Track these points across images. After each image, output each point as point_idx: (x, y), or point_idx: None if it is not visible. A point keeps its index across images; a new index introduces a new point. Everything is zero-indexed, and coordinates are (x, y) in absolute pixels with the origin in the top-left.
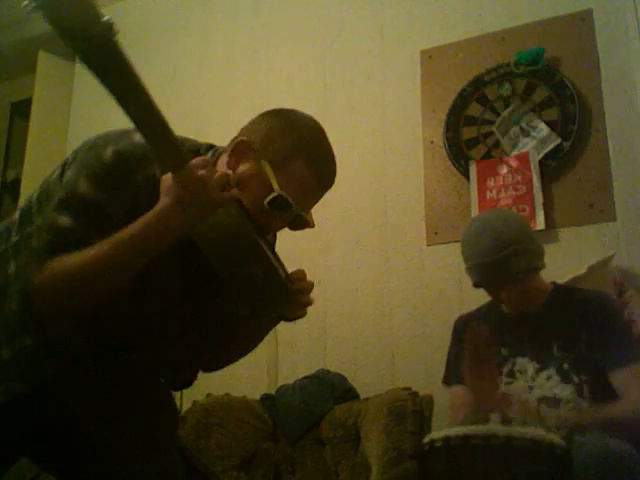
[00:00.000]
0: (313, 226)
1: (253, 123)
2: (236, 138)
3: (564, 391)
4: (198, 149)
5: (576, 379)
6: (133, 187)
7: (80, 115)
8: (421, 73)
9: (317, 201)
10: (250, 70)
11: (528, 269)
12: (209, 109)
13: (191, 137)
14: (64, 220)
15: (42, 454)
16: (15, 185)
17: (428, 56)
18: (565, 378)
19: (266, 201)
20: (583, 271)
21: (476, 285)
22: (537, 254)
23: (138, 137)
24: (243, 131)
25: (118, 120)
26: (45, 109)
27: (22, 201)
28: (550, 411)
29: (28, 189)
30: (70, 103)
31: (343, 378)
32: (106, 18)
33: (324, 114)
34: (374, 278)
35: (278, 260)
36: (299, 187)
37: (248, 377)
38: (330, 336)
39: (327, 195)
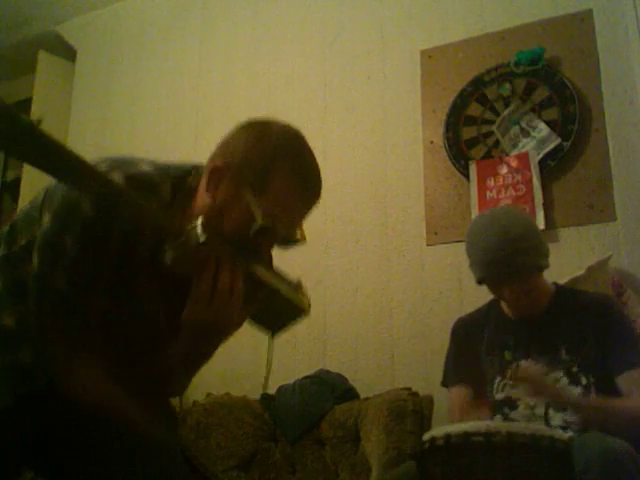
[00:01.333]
0: (305, 242)
1: (229, 139)
2: (213, 158)
3: (572, 393)
4: (183, 175)
5: (584, 381)
6: (117, 241)
7: (80, 115)
8: (421, 73)
9: (305, 215)
10: (250, 70)
11: (533, 267)
12: (209, 109)
13: (190, 138)
14: (60, 284)
15: (43, 464)
16: (15, 185)
17: (428, 56)
18: (574, 380)
19: (251, 232)
20: (582, 272)
21: (479, 282)
22: (543, 253)
23: (114, 179)
24: (220, 148)
25: (118, 120)
26: (45, 109)
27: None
28: (564, 391)
29: (28, 189)
30: (70, 103)
31: (343, 378)
32: (24, 118)
33: (324, 114)
34: (374, 278)
35: (279, 275)
36: (283, 206)
37: (248, 377)
38: (330, 336)
39: (327, 195)
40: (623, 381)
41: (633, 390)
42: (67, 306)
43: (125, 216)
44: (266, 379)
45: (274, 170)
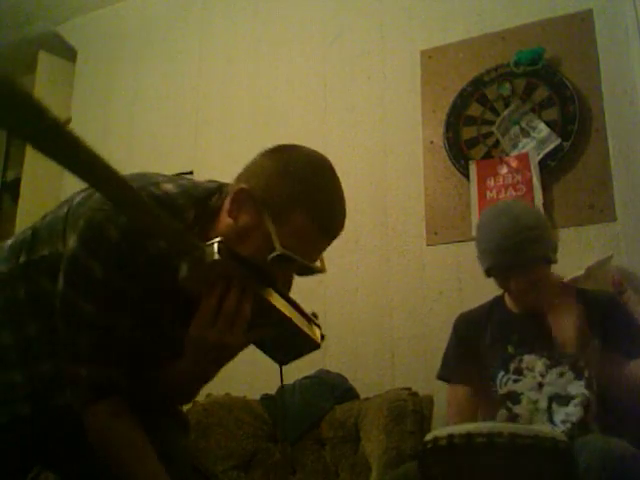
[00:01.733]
0: (325, 272)
1: (254, 165)
2: (238, 181)
3: (576, 387)
4: (207, 196)
5: (587, 373)
6: (144, 265)
7: (80, 115)
8: (421, 73)
9: (325, 248)
10: (250, 70)
11: (541, 258)
12: (209, 109)
13: (190, 138)
14: (87, 308)
15: (56, 465)
16: (15, 185)
17: (428, 56)
18: (579, 375)
19: (269, 258)
20: (582, 272)
21: (487, 272)
22: (551, 246)
23: None
24: (245, 172)
25: (118, 120)
26: None
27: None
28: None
29: (28, 189)
30: (70, 104)
31: (343, 378)
32: (51, 113)
33: (324, 114)
34: (374, 278)
35: (293, 304)
36: (303, 240)
37: (248, 377)
38: (330, 336)
39: None
40: (636, 367)
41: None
42: (94, 328)
43: (150, 236)
44: (281, 426)
45: (296, 204)
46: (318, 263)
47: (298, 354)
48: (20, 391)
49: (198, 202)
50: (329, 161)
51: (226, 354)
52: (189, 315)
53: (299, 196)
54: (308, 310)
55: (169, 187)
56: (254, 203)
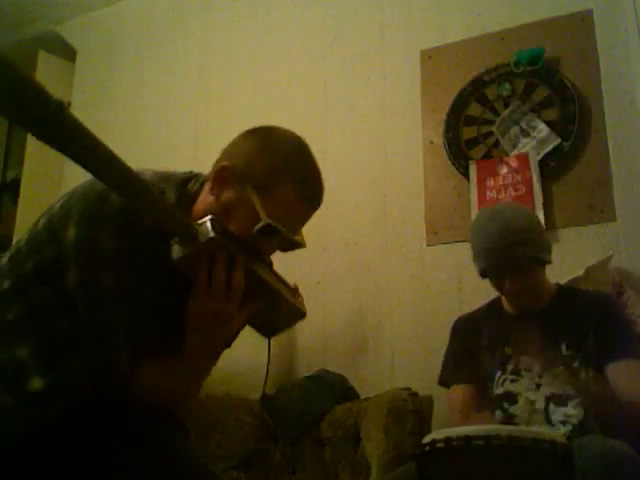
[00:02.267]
0: (305, 246)
1: (234, 145)
2: (218, 162)
3: (572, 388)
4: (184, 182)
5: (583, 375)
6: (145, 230)
7: (80, 115)
8: (421, 73)
9: (306, 221)
10: (250, 70)
11: (534, 259)
12: (209, 109)
13: (190, 138)
14: (109, 282)
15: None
16: (15, 185)
17: (428, 56)
18: (574, 375)
19: (255, 230)
20: (581, 273)
21: (482, 273)
22: (545, 247)
23: None
24: (225, 154)
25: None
26: None
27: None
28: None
29: (28, 189)
30: (70, 103)
31: (343, 378)
32: (55, 97)
33: (324, 114)
34: (374, 278)
35: (278, 278)
36: (286, 211)
37: (248, 377)
38: (330, 336)
39: (327, 195)
40: (612, 370)
41: (622, 380)
42: (121, 302)
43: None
44: (265, 381)
45: (280, 174)
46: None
47: (286, 325)
48: (13, 411)
49: (177, 187)
50: (305, 140)
51: (226, 326)
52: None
53: (281, 168)
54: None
55: (149, 174)
56: (237, 178)
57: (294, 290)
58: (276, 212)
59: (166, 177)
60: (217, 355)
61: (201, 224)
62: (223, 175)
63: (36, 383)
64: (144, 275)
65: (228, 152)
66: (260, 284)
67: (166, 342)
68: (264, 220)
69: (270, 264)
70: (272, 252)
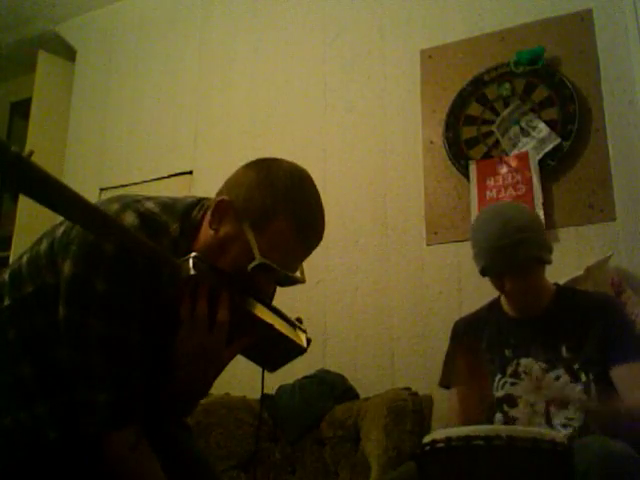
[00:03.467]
0: (304, 282)
1: (236, 177)
2: (220, 193)
3: (573, 391)
4: (188, 210)
5: (584, 378)
6: (141, 274)
7: (80, 115)
8: (421, 73)
9: (306, 257)
10: (250, 70)
11: (534, 259)
12: (209, 109)
13: (190, 138)
14: (96, 326)
15: None
16: None
17: (428, 56)
18: (575, 378)
19: (249, 268)
20: (581, 273)
21: (482, 272)
22: (545, 247)
23: (129, 220)
24: (226, 185)
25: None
26: (45, 109)
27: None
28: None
29: None
30: (70, 103)
31: (343, 378)
32: (13, 148)
33: (324, 114)
34: (374, 278)
35: (276, 312)
36: (282, 249)
37: (248, 377)
38: (330, 336)
39: (327, 195)
40: (618, 374)
41: (628, 383)
42: (106, 345)
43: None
44: (261, 410)
45: (276, 212)
46: (298, 273)
47: (285, 360)
48: (10, 435)
49: (180, 217)
50: (309, 174)
51: (211, 359)
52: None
53: (279, 205)
54: (300, 315)
55: (150, 205)
56: (234, 213)
57: (295, 324)
58: (271, 250)
59: (169, 206)
60: (207, 386)
61: (184, 261)
62: (222, 209)
63: (40, 407)
64: (133, 322)
65: (230, 183)
66: (250, 319)
67: (151, 385)
68: (258, 259)
69: (271, 297)
70: (270, 288)
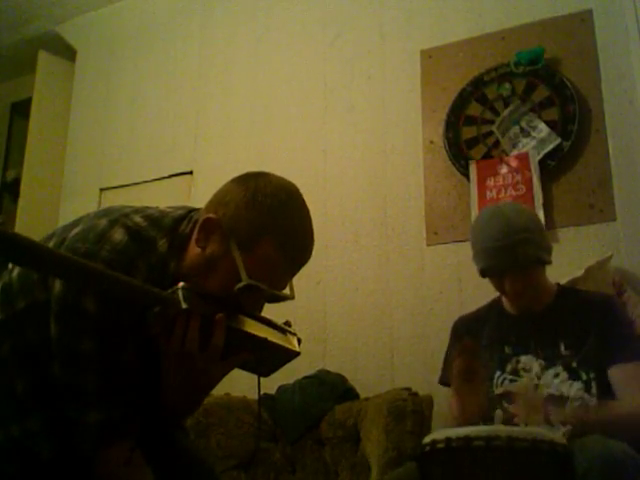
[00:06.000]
0: (293, 298)
1: (224, 193)
2: (208, 209)
3: (572, 388)
4: (176, 224)
5: (584, 376)
6: (128, 312)
7: (80, 115)
8: (421, 73)
9: (294, 274)
10: (250, 70)
11: (534, 259)
12: (209, 109)
13: (190, 138)
14: (87, 346)
15: None
16: (15, 185)
17: (428, 56)
18: (573, 376)
19: (235, 289)
20: (581, 273)
21: (482, 273)
22: (545, 247)
23: (118, 238)
24: (214, 199)
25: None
26: (45, 109)
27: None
28: (556, 409)
29: (28, 189)
30: (70, 103)
31: (343, 378)
32: None
33: (324, 114)
34: (374, 278)
35: (265, 321)
36: (269, 269)
37: (248, 377)
38: (330, 336)
39: (327, 195)
40: (615, 374)
41: (625, 384)
42: (97, 366)
43: (142, 268)
44: (258, 433)
45: (264, 233)
46: (287, 290)
47: (279, 365)
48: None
49: (168, 232)
50: (298, 190)
51: (203, 385)
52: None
53: (266, 225)
54: (285, 320)
55: (138, 219)
56: (221, 232)
57: (285, 329)
58: (259, 271)
59: (157, 220)
60: (198, 405)
61: (173, 293)
62: (209, 227)
63: (33, 422)
64: (123, 341)
65: (217, 199)
66: (244, 338)
67: (142, 406)
68: (245, 280)
69: (259, 310)
70: (258, 305)
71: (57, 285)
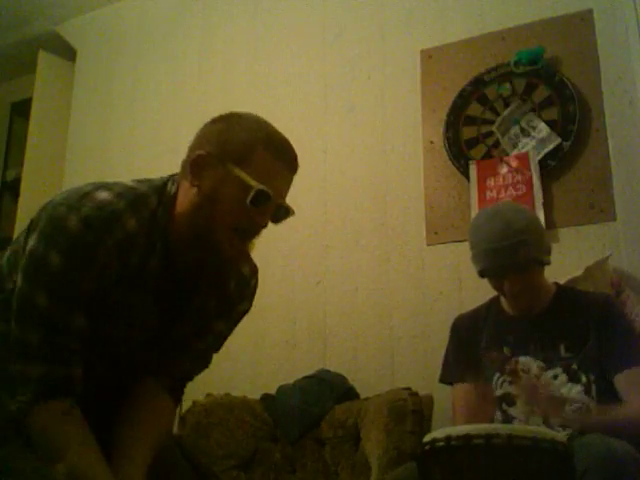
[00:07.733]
0: (293, 213)
1: (199, 137)
2: (188, 157)
3: (571, 390)
4: (163, 184)
5: (584, 379)
6: (104, 256)
7: (80, 115)
8: (421, 73)
9: (289, 185)
10: (250, 70)
11: (534, 260)
12: (209, 109)
13: (190, 138)
14: (41, 301)
15: None
16: (15, 185)
17: (428, 56)
18: (573, 378)
19: (248, 200)
20: (581, 273)
21: (481, 273)
22: (544, 249)
23: (102, 196)
24: (196, 143)
25: (118, 120)
26: (45, 109)
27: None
28: (555, 411)
29: (28, 189)
30: (70, 103)
31: (343, 378)
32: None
33: (324, 114)
34: (374, 278)
35: None
36: (269, 176)
37: (248, 377)
38: (330, 336)
39: (327, 195)
40: (620, 380)
41: (630, 390)
42: (46, 323)
43: (119, 233)
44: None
45: (256, 144)
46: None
47: None
48: None
49: (157, 189)
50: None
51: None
52: (160, 301)
53: (255, 138)
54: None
55: (126, 183)
56: (215, 160)
57: None
58: (260, 178)
59: (144, 181)
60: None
61: None
62: (201, 162)
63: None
64: (80, 301)
65: (195, 145)
66: None
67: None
68: (255, 187)
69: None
70: (265, 224)
71: (31, 241)
